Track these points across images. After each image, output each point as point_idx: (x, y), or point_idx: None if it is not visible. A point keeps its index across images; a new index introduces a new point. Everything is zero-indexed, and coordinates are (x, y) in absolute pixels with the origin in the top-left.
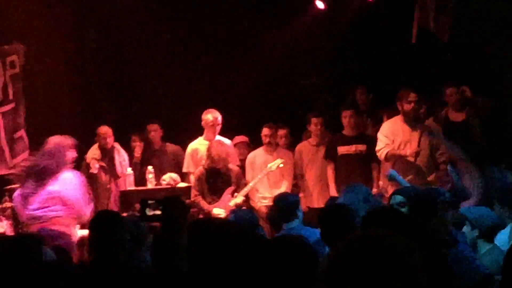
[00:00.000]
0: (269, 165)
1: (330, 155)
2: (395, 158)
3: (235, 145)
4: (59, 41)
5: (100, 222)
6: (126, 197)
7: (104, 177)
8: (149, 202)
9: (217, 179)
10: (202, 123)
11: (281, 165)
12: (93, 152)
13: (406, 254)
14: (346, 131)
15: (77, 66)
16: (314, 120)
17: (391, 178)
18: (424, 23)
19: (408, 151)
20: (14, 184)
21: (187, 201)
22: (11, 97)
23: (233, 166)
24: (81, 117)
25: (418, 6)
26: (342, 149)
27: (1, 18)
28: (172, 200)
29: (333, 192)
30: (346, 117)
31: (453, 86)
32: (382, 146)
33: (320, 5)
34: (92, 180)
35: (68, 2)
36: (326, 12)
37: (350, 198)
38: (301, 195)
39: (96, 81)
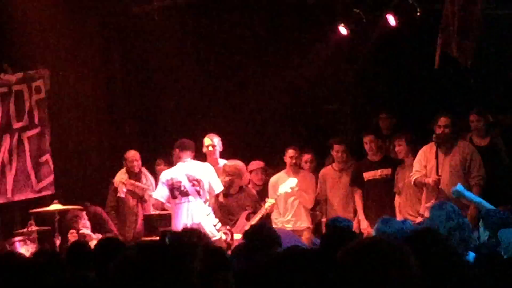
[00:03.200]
0: (283, 186)
1: (357, 182)
2: (422, 185)
3: (251, 171)
4: (84, 65)
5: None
6: (149, 221)
7: (131, 201)
8: (169, 232)
9: (230, 203)
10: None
11: (296, 189)
12: (121, 176)
13: (402, 255)
14: (370, 157)
15: (103, 90)
16: (336, 147)
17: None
18: (447, 48)
19: (431, 178)
20: (40, 207)
21: None
22: (36, 121)
23: (251, 189)
24: (106, 141)
25: (441, 31)
26: (367, 175)
27: (27, 44)
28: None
29: (362, 218)
30: (367, 143)
31: (477, 113)
32: (413, 172)
33: (343, 31)
34: (119, 204)
35: (93, 27)
36: (349, 38)
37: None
38: (323, 219)
39: (121, 106)
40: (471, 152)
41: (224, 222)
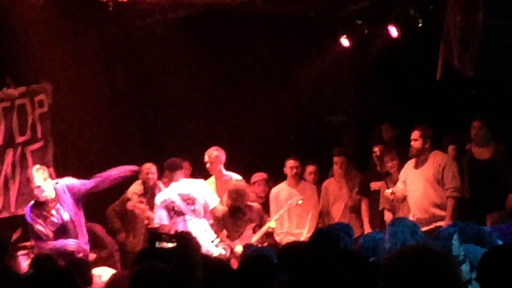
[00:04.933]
0: (289, 202)
1: (364, 191)
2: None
3: (254, 182)
4: (87, 79)
5: None
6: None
7: (142, 215)
8: (162, 235)
9: (238, 216)
10: None
11: (300, 202)
12: (135, 187)
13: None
14: (379, 167)
15: (106, 104)
16: (335, 159)
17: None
18: (449, 59)
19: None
20: None
21: None
22: (39, 135)
23: (253, 203)
24: (110, 154)
25: (443, 42)
26: (374, 185)
27: (29, 58)
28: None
29: (366, 227)
30: (376, 153)
31: (480, 120)
32: (398, 188)
33: (346, 42)
34: (129, 214)
35: (96, 40)
36: (352, 49)
37: (396, 232)
38: None
39: (124, 119)
40: (444, 162)
41: (230, 235)
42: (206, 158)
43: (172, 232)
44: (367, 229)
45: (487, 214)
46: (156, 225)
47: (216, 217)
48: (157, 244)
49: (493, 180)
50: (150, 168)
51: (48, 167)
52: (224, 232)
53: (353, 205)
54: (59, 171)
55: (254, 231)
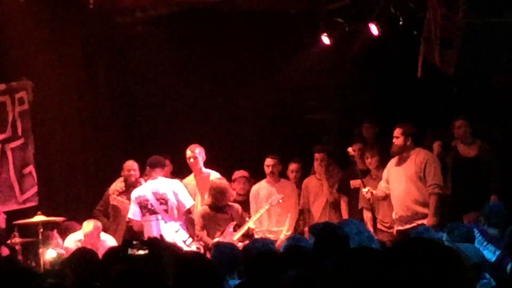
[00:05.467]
0: (269, 201)
1: (344, 189)
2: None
3: (234, 179)
4: (68, 76)
5: None
6: (132, 230)
7: (124, 210)
8: (134, 242)
9: (219, 214)
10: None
11: (280, 200)
12: (117, 185)
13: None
14: (358, 165)
15: (87, 101)
16: (316, 155)
17: None
18: (430, 57)
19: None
20: (23, 219)
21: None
22: (20, 133)
23: (233, 203)
24: (91, 152)
25: (424, 40)
26: (354, 183)
27: (9, 55)
28: (158, 240)
29: None
30: (356, 151)
31: (463, 118)
32: (381, 186)
33: (326, 40)
34: (113, 211)
35: (77, 38)
36: (332, 47)
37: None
38: (306, 229)
39: (106, 116)
40: (425, 159)
41: (211, 233)
42: (189, 154)
43: (144, 230)
44: None
45: (463, 215)
46: (128, 219)
47: (198, 215)
48: (129, 251)
49: (477, 178)
50: (131, 165)
51: (28, 164)
52: (204, 232)
53: (333, 202)
54: (40, 169)
55: (235, 230)
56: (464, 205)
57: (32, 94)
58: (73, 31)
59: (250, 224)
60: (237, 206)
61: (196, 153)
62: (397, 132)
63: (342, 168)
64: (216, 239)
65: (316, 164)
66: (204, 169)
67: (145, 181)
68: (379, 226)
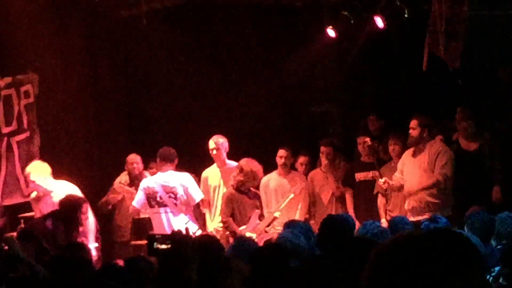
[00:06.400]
0: (292, 189)
1: (348, 182)
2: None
3: None
4: (73, 69)
5: None
6: (138, 225)
7: (130, 200)
8: (157, 236)
9: (245, 199)
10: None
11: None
12: (121, 178)
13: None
14: (363, 158)
15: (92, 95)
16: (321, 149)
17: None
18: (435, 50)
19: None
20: (29, 212)
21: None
22: (25, 126)
23: (257, 190)
24: (95, 145)
25: (429, 32)
26: (359, 176)
27: (15, 48)
28: (180, 235)
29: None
30: (361, 144)
31: (463, 111)
32: (395, 177)
33: (332, 33)
34: (117, 205)
35: (81, 31)
36: (337, 40)
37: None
38: (312, 222)
39: (110, 110)
40: (437, 151)
41: (238, 218)
42: (212, 145)
43: (153, 223)
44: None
45: (466, 208)
46: (131, 209)
47: (224, 199)
48: (155, 245)
49: (479, 171)
50: (134, 158)
51: (34, 157)
52: (231, 219)
53: (339, 195)
54: (45, 162)
55: (261, 219)
56: (467, 198)
57: (37, 87)
58: (78, 24)
59: (276, 214)
60: (259, 192)
61: (219, 144)
62: (414, 123)
63: (348, 160)
64: (243, 227)
65: (322, 157)
66: (227, 161)
67: (151, 174)
68: (387, 216)
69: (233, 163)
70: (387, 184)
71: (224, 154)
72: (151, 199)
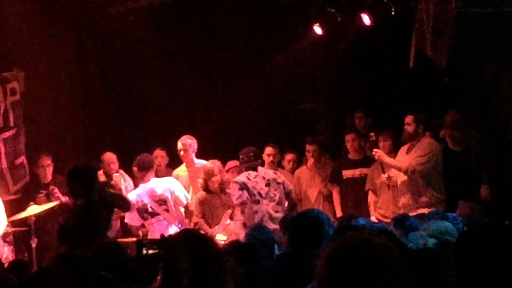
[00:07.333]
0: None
1: (335, 179)
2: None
3: (227, 170)
4: (60, 67)
5: None
6: (125, 222)
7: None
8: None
9: (214, 200)
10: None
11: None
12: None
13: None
14: (351, 155)
15: (79, 92)
16: (307, 147)
17: None
18: (422, 47)
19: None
20: (16, 209)
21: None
22: (12, 123)
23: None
24: (82, 143)
25: (416, 30)
26: (347, 173)
27: (1, 46)
28: (168, 239)
29: (339, 215)
30: (349, 141)
31: (451, 120)
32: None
33: (318, 30)
34: None
35: (69, 28)
36: (324, 37)
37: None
38: None
39: (98, 107)
40: (424, 143)
41: (208, 218)
42: (179, 146)
43: (149, 234)
44: (340, 216)
45: (454, 205)
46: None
47: (196, 202)
48: (144, 251)
49: (467, 169)
50: (111, 158)
51: (20, 155)
52: (202, 220)
53: (327, 194)
54: (32, 160)
55: (231, 218)
56: (455, 196)
57: (24, 84)
58: (65, 21)
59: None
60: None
61: (186, 145)
62: (409, 119)
63: (334, 158)
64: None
65: (308, 155)
66: (196, 160)
67: (133, 182)
68: (375, 213)
69: (202, 162)
70: (390, 180)
71: (193, 155)
72: (143, 212)
